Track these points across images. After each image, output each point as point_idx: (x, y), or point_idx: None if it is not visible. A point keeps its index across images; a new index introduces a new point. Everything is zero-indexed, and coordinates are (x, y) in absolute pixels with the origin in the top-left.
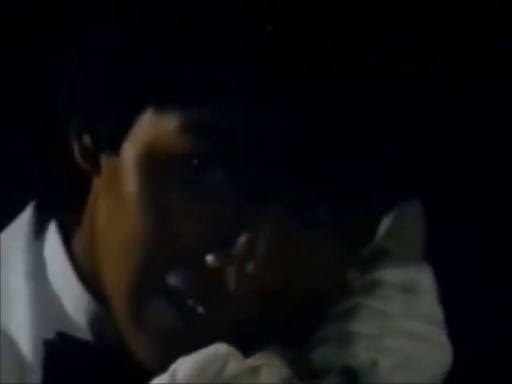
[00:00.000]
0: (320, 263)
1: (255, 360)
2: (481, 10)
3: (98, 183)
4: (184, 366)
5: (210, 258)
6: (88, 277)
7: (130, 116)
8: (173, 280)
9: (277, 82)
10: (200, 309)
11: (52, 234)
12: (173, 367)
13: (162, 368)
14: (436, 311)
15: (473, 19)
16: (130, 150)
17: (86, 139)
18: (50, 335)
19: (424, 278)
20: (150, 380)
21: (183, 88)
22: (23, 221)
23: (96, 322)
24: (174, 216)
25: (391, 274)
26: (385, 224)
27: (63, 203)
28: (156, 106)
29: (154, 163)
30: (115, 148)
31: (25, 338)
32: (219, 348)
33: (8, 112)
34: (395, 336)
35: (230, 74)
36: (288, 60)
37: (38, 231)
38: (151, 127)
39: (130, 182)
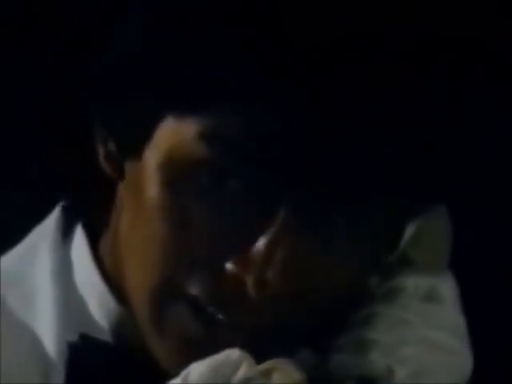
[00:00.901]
0: (338, 269)
1: (267, 364)
2: (481, 9)
3: (122, 189)
4: (196, 369)
5: (229, 265)
6: (113, 279)
7: (151, 123)
8: (192, 286)
9: (294, 90)
10: (219, 315)
11: (79, 236)
12: (185, 371)
13: (180, 371)
14: (457, 320)
15: (473, 19)
16: (151, 157)
17: (111, 145)
18: (74, 336)
19: (446, 287)
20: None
21: (202, 95)
22: (51, 221)
23: (119, 325)
24: (192, 222)
25: (412, 282)
26: (409, 231)
27: (90, 205)
28: (176, 113)
29: (173, 170)
30: (137, 154)
31: (49, 337)
32: (231, 352)
33: (34, 112)
34: (412, 344)
35: (249, 84)
36: (302, 68)
37: (65, 232)
38: (171, 134)
39: (151, 188)
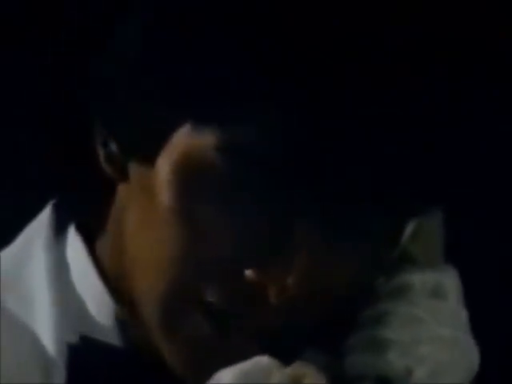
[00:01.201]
0: (350, 272)
1: (295, 369)
2: (481, 9)
3: (125, 191)
4: (225, 377)
5: (249, 273)
6: (112, 280)
7: (167, 129)
8: (206, 293)
9: (309, 102)
10: (235, 320)
11: (73, 235)
12: (213, 378)
13: (195, 378)
14: (462, 315)
15: (473, 19)
16: (165, 162)
17: (112, 147)
18: (74, 337)
19: (450, 281)
20: (172, 382)
21: (221, 106)
22: (42, 220)
23: (119, 325)
24: (207, 230)
25: (419, 279)
26: (409, 229)
27: (83, 204)
28: (194, 122)
29: (188, 177)
30: (149, 159)
31: (48, 338)
32: (261, 359)
33: (32, 112)
34: (429, 343)
35: (264, 98)
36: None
37: (58, 231)
38: (188, 141)
39: (165, 194)
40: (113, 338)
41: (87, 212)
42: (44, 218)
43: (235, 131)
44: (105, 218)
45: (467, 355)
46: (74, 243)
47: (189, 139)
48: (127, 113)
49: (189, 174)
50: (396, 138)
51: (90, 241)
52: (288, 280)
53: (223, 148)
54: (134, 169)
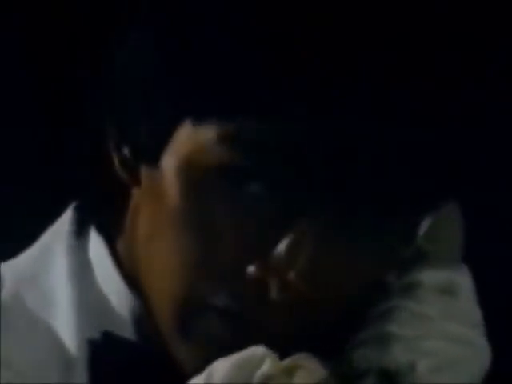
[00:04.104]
0: (359, 268)
1: (291, 361)
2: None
3: (138, 194)
4: (220, 366)
5: (250, 269)
6: (132, 280)
7: (168, 128)
8: (217, 294)
9: (316, 94)
10: (244, 320)
11: (95, 238)
12: (209, 368)
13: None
14: (474, 313)
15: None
16: (170, 162)
17: (126, 151)
18: (96, 334)
19: (462, 279)
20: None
21: (221, 99)
22: (64, 223)
23: (140, 322)
24: (214, 228)
25: (429, 276)
26: (424, 226)
27: (103, 206)
28: (194, 118)
29: (192, 175)
30: (155, 160)
31: (70, 338)
32: (255, 350)
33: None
34: (433, 338)
35: (266, 87)
36: (321, 71)
37: (80, 232)
38: (189, 139)
39: (171, 195)
40: (135, 334)
41: (107, 213)
42: (65, 220)
43: (239, 124)
44: (122, 221)
45: (477, 353)
46: (96, 242)
47: (190, 136)
48: (135, 115)
49: (193, 172)
50: (408, 135)
51: (110, 241)
52: (290, 276)
53: (225, 140)
54: (145, 172)
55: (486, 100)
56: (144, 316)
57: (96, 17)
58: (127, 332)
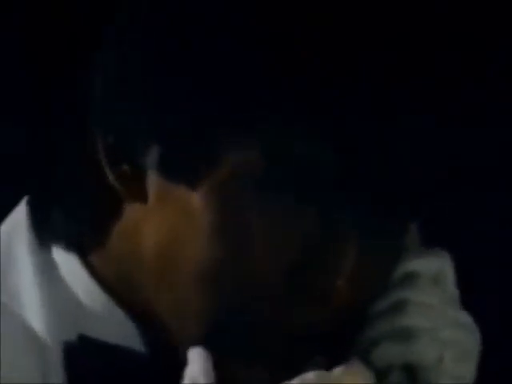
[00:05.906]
0: (383, 269)
1: (344, 374)
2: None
3: (140, 211)
4: None
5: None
6: (118, 292)
7: (218, 154)
8: (250, 306)
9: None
10: (282, 331)
11: (60, 242)
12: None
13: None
14: (458, 295)
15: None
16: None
17: (127, 167)
18: (70, 335)
19: (448, 267)
20: (167, 379)
21: (259, 112)
22: (19, 220)
23: (115, 321)
24: (250, 242)
25: (422, 266)
26: None
27: (82, 215)
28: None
29: (230, 189)
30: (193, 183)
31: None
32: (306, 376)
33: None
34: (448, 327)
35: (266, 87)
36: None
37: (39, 229)
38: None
39: (202, 212)
40: (109, 336)
41: (83, 223)
42: (20, 216)
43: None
44: (100, 232)
45: (476, 335)
46: (62, 251)
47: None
48: (174, 137)
49: (231, 186)
50: (408, 135)
51: (80, 251)
52: (334, 285)
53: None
54: (162, 189)
55: (486, 100)
56: (116, 315)
57: (96, 17)
58: (100, 332)
